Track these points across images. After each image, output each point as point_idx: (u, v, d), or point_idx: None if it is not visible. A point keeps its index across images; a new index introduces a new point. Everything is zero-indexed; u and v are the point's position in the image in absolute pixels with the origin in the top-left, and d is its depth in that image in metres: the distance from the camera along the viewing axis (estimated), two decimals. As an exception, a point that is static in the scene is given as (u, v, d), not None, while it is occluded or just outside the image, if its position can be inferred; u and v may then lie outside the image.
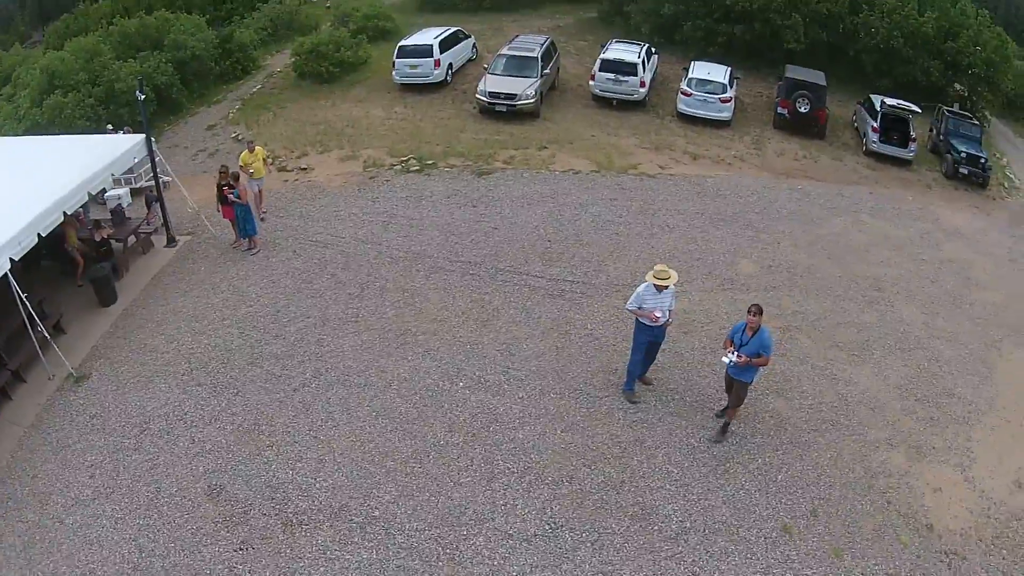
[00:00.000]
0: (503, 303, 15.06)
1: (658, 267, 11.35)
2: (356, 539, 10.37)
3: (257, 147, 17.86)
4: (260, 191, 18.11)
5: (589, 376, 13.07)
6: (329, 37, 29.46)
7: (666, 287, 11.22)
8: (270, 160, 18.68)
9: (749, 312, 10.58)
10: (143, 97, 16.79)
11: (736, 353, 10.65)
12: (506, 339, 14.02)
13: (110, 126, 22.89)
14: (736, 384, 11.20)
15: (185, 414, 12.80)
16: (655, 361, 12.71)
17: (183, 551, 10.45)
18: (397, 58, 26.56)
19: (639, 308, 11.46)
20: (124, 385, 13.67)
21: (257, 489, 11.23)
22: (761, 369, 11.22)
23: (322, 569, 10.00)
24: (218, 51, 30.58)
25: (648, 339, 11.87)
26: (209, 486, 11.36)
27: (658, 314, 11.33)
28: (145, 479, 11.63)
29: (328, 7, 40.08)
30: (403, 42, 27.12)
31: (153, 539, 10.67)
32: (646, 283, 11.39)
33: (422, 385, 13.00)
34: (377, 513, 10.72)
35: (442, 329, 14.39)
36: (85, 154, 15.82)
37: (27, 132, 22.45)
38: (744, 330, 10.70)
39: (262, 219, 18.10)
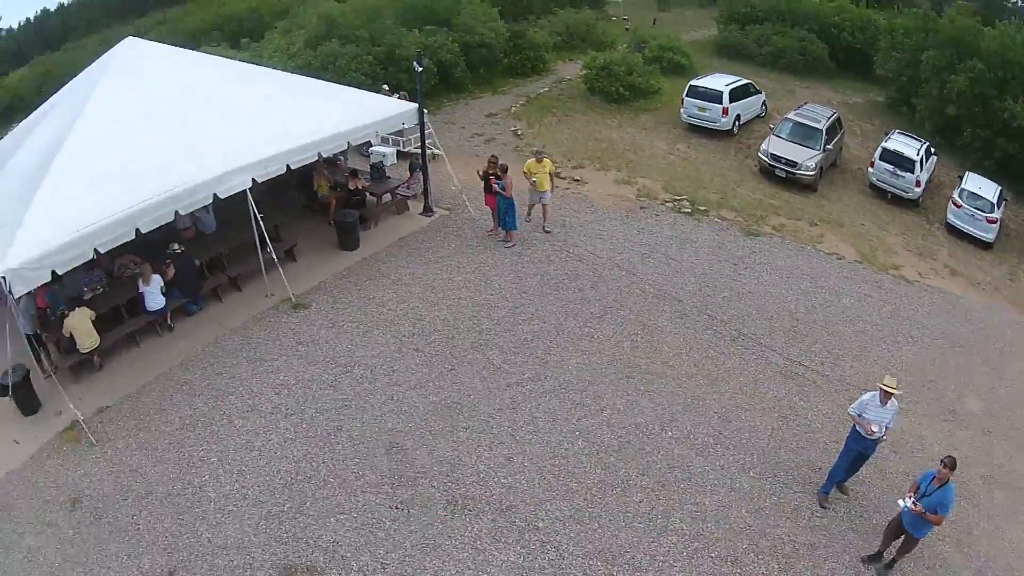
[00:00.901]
0: (736, 368, 14.02)
1: (888, 379, 10.74)
2: (509, 540, 10.22)
3: (546, 159, 17.10)
4: (545, 206, 17.46)
5: (792, 466, 12.05)
6: (623, 58, 29.19)
7: (890, 401, 10.71)
8: (557, 173, 18.06)
9: (942, 463, 9.67)
10: (420, 69, 17.01)
11: (914, 501, 9.81)
12: (728, 404, 13.07)
13: (386, 86, 23.45)
14: (906, 535, 10.31)
15: (393, 371, 13.04)
16: (858, 472, 11.73)
17: (341, 488, 10.89)
18: (687, 96, 25.91)
19: (859, 415, 10.92)
20: (340, 325, 14.13)
21: (436, 462, 11.32)
22: (933, 527, 10.14)
23: (466, 556, 9.98)
24: (508, 44, 31.20)
25: (858, 449, 11.23)
26: (391, 443, 11.63)
27: (875, 428, 10.73)
28: (330, 415, 12.14)
29: (627, 28, 40.27)
30: (695, 82, 26.35)
31: (315, 468, 11.16)
32: (873, 393, 10.84)
33: (632, 422, 12.42)
34: (541, 524, 10.49)
35: (669, 375, 13.59)
36: (354, 106, 16.38)
37: (296, 70, 22.99)
38: (932, 479, 9.82)
39: (543, 230, 17.78)
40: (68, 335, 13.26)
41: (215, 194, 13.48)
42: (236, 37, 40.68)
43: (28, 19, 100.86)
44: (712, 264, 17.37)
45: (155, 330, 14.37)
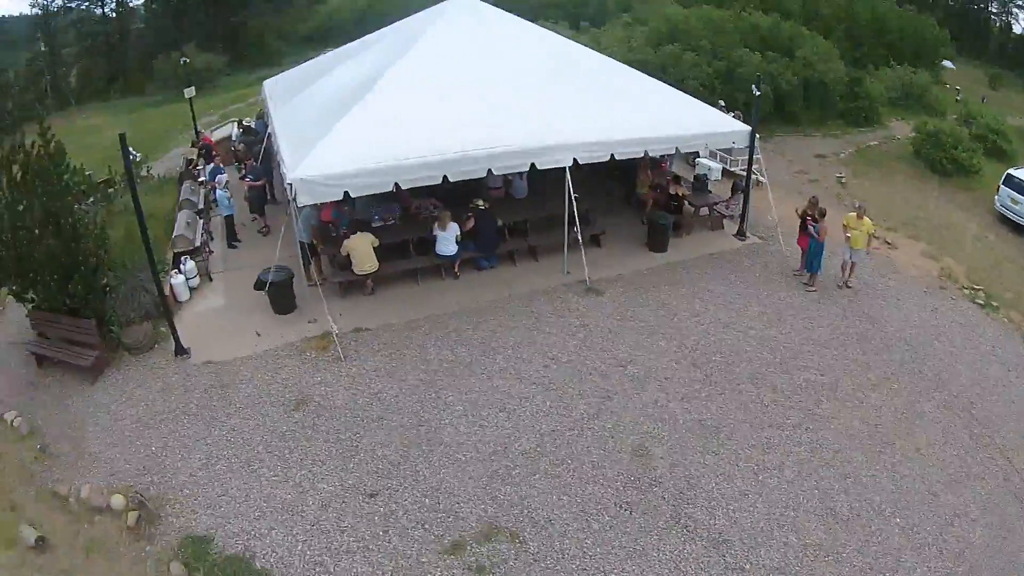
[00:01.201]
0: (978, 474, 12.24)
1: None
2: (711, 572, 9.69)
3: (866, 218, 15.93)
4: (852, 264, 16.28)
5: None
6: (951, 130, 27.17)
7: None
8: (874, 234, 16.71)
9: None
10: (759, 94, 16.56)
11: None
12: (953, 511, 11.41)
13: (722, 102, 23.04)
14: None
15: (665, 379, 12.87)
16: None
17: (575, 472, 10.95)
18: (1003, 184, 23.39)
19: None
20: (627, 320, 14.17)
21: (675, 477, 11.02)
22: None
23: (665, 573, 9.67)
24: (847, 88, 29.91)
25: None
26: (639, 446, 11.38)
27: None
28: (591, 402, 12.18)
29: (958, 100, 37.67)
30: (1013, 172, 23.62)
31: (557, 447, 11.36)
32: None
33: (868, 496, 11.27)
34: (747, 568, 9.83)
35: (918, 461, 12.15)
36: (689, 113, 16.17)
37: (635, 65, 22.33)
38: None
39: (845, 285, 16.56)
40: (345, 254, 14.21)
41: (533, 163, 13.81)
42: (576, 18, 41.95)
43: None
44: (989, 363, 15.22)
45: (440, 274, 15.17)
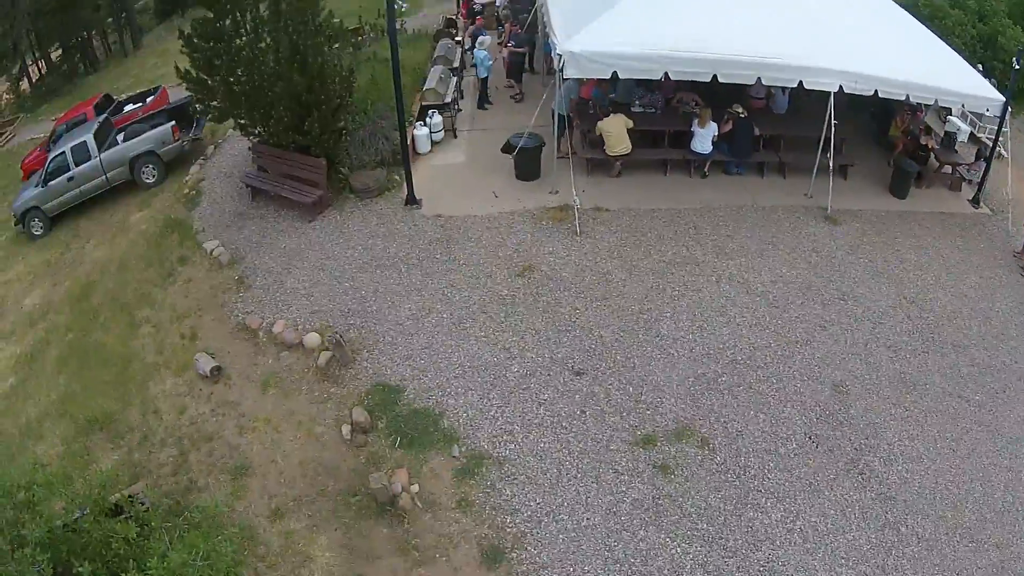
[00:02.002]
0: None
1: None
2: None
3: None
4: None
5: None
6: None
7: None
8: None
9: None
10: (1018, 67, 15.52)
11: None
12: None
13: (980, 67, 21.08)
14: None
15: (879, 323, 12.32)
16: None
17: (776, 392, 10.79)
18: None
19: None
20: (858, 254, 13.72)
21: (858, 418, 10.66)
22: None
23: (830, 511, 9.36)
24: None
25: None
26: (840, 381, 11.04)
27: None
28: (807, 327, 11.93)
29: None
30: None
31: (765, 362, 11.23)
32: None
33: None
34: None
35: None
36: (954, 69, 15.43)
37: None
38: None
39: None
40: (599, 134, 14.41)
41: (801, 81, 13.58)
42: None
43: None
44: None
45: (688, 170, 15.27)
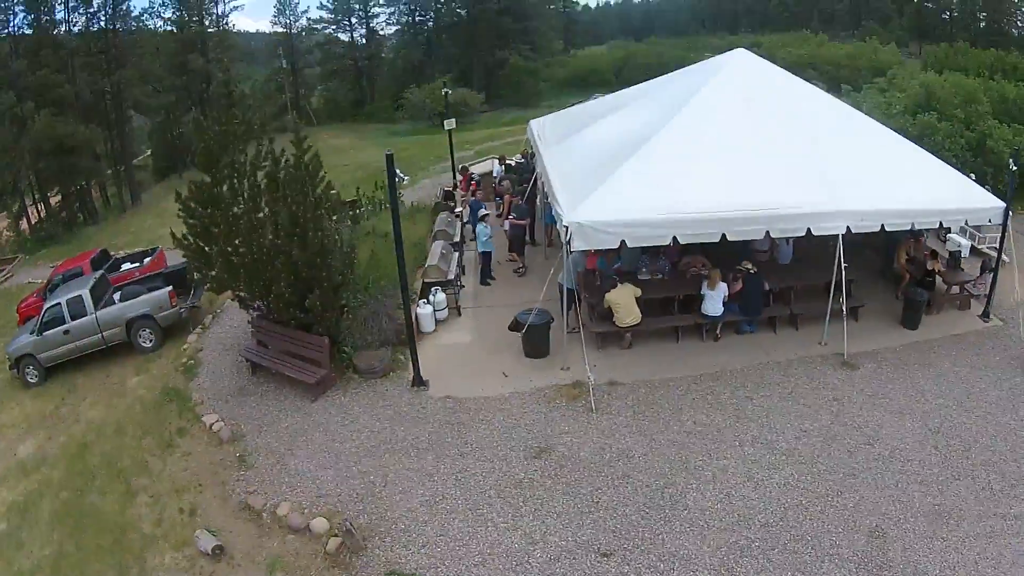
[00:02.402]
0: None
1: None
2: None
3: None
4: None
5: None
6: None
7: None
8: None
9: None
10: (1015, 169, 15.61)
11: None
12: None
13: (973, 175, 20.99)
14: None
15: (908, 460, 12.12)
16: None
17: (811, 546, 10.43)
18: None
19: None
20: (878, 398, 13.44)
21: (909, 563, 10.23)
22: None
23: None
24: None
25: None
26: (876, 527, 10.73)
27: None
28: (837, 478, 11.63)
29: None
30: None
31: (799, 521, 10.83)
32: None
33: None
34: None
35: None
36: (951, 186, 15.42)
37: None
38: None
39: None
40: (607, 306, 14.12)
41: (809, 229, 13.45)
42: (834, 81, 41.85)
43: (608, 3, 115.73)
44: None
45: (700, 334, 15.03)
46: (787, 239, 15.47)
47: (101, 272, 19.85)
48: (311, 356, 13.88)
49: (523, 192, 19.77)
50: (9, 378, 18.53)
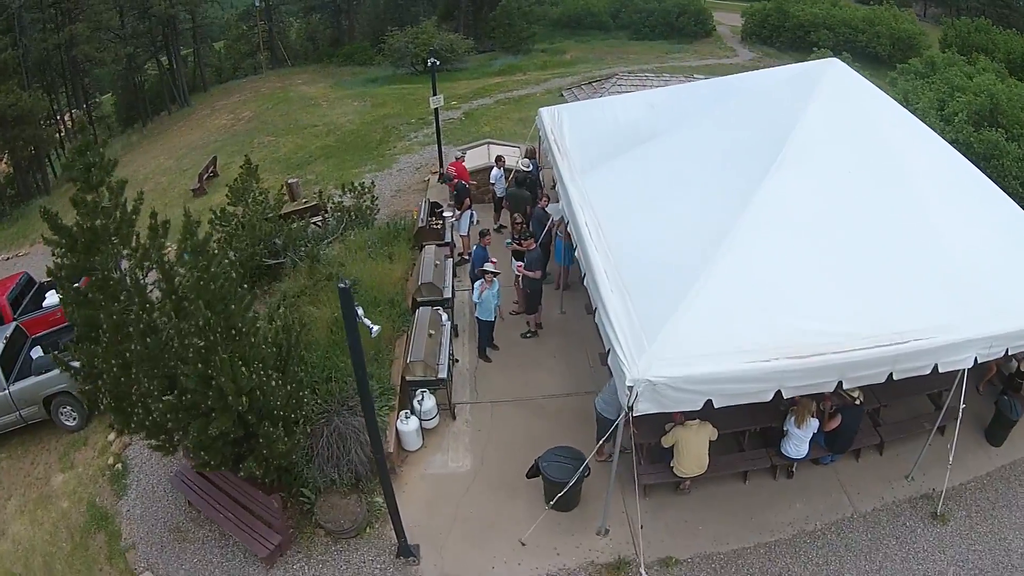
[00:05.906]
0: None
1: None
2: None
3: None
4: None
5: None
6: None
7: None
8: None
9: None
10: None
11: None
12: None
13: None
14: None
15: None
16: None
17: None
18: None
19: None
20: (984, 547, 10.72)
21: None
22: None
23: None
24: None
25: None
26: None
27: None
28: None
29: None
30: None
31: None
32: None
33: None
34: None
35: None
36: None
37: (950, 142, 16.04)
38: None
39: None
40: (668, 446, 10.60)
41: (936, 365, 9.72)
42: (852, 47, 38.98)
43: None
44: None
45: (773, 474, 11.67)
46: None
47: (15, 325, 15.98)
48: (262, 515, 10.42)
49: (540, 227, 14.86)
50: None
